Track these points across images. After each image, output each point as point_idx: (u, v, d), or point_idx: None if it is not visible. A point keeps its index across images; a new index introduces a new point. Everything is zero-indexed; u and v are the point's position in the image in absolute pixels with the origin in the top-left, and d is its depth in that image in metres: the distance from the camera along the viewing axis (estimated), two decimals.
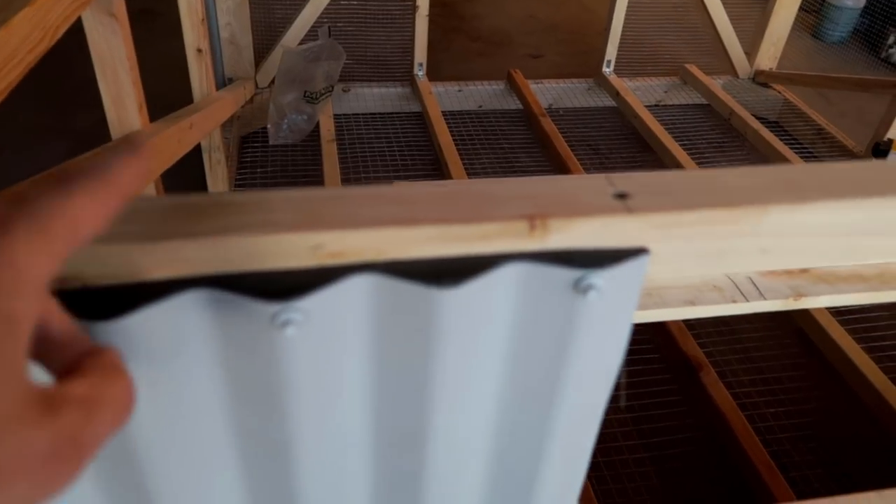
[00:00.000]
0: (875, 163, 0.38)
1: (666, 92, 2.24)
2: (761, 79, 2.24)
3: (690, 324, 1.36)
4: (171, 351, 0.32)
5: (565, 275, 0.32)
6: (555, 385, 0.38)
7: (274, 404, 0.37)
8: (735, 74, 2.26)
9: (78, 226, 0.21)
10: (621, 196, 0.33)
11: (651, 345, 1.38)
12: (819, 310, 1.36)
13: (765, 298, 1.07)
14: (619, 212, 0.32)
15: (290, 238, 0.30)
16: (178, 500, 0.38)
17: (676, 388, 1.28)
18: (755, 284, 1.07)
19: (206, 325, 0.31)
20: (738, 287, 1.07)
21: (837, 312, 1.37)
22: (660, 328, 1.35)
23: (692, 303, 1.06)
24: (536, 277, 0.32)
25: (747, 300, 1.04)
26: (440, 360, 0.35)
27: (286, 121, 1.77)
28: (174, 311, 0.30)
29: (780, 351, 1.40)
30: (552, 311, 0.33)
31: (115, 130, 0.84)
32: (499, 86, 2.18)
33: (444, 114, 1.89)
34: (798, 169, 0.35)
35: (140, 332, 0.30)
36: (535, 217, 0.31)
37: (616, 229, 0.32)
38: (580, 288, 0.32)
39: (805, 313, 1.36)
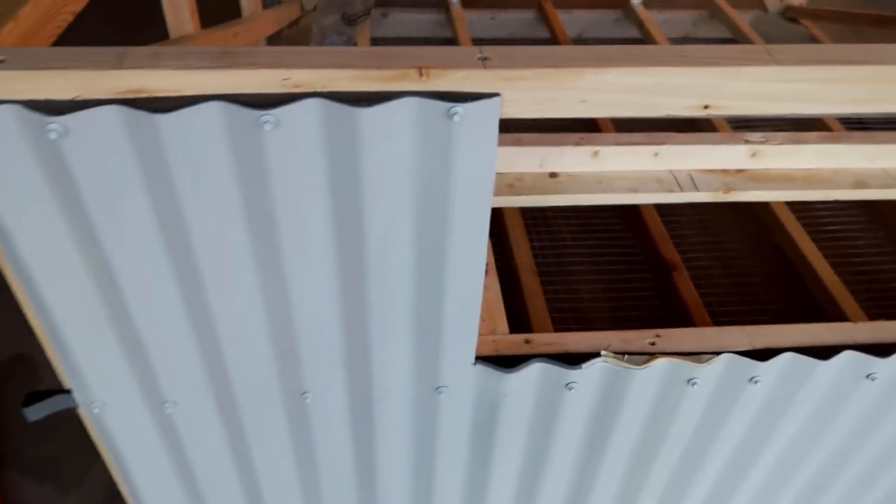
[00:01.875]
0: (660, 47, 0.55)
1: (694, 25, 2.31)
2: (790, 14, 2.29)
3: (674, 234, 1.51)
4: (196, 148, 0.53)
5: (440, 106, 0.50)
6: (447, 191, 0.58)
7: (265, 188, 0.59)
8: (764, 9, 2.31)
9: None
10: (484, 59, 0.51)
11: (637, 250, 1.55)
12: (796, 227, 1.49)
13: (698, 190, 1.23)
14: (479, 67, 0.50)
15: (269, 73, 0.49)
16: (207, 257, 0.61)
17: (652, 286, 1.45)
18: (693, 179, 1.23)
19: (218, 128, 0.52)
20: (677, 180, 1.23)
21: (815, 232, 1.50)
22: (644, 235, 1.51)
23: (635, 190, 1.23)
24: (423, 107, 0.51)
25: (682, 191, 1.21)
26: (366, 165, 0.55)
27: (327, 41, 1.95)
28: (197, 117, 0.51)
29: (759, 267, 1.55)
30: (434, 132, 0.52)
31: (173, 32, 1.04)
32: (530, 14, 2.30)
33: (474, 40, 2.03)
34: (612, 48, 0.52)
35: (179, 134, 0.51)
36: (423, 67, 0.49)
37: (477, 79, 0.50)
38: (449, 115, 0.50)
39: (783, 231, 1.49)
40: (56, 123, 0.62)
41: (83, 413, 0.99)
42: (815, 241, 1.44)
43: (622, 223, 1.63)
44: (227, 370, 0.93)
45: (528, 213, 1.61)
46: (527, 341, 1.05)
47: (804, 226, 1.47)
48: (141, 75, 0.61)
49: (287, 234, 0.76)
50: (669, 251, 1.45)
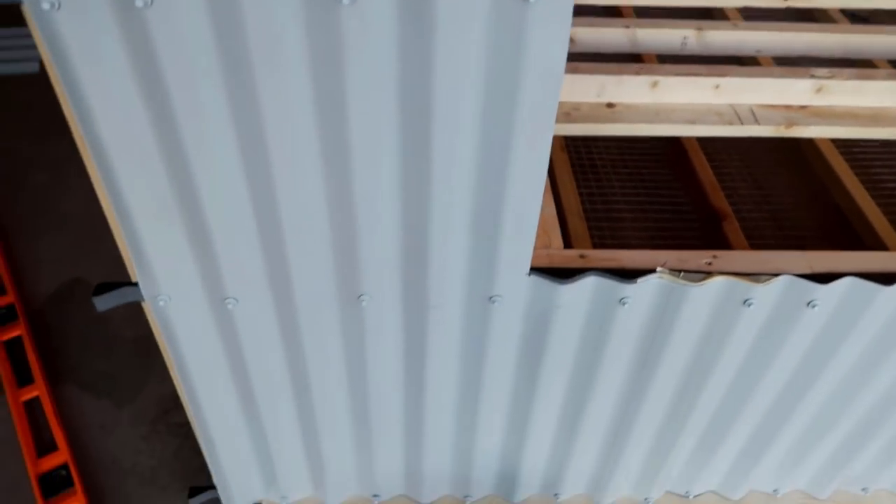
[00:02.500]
0: None
1: None
2: None
3: (724, 185, 1.48)
4: None
5: None
6: (517, 79, 0.59)
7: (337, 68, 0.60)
8: None
9: None
10: None
11: (685, 200, 1.53)
12: (852, 180, 1.44)
13: (759, 124, 1.21)
14: None
15: None
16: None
17: (700, 236, 1.44)
18: (753, 114, 1.21)
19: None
20: (737, 114, 1.21)
21: (873, 189, 1.45)
22: (694, 183, 1.49)
23: (693, 122, 1.22)
24: None
25: (742, 124, 1.19)
26: (439, 48, 0.58)
27: None
28: None
29: (811, 221, 1.51)
30: (509, 14, 0.54)
31: None
32: None
33: None
34: None
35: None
36: None
37: None
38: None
39: (838, 185, 1.45)
40: None
41: (148, 307, 1.03)
42: (872, 197, 1.40)
43: (670, 173, 1.60)
44: (288, 267, 0.96)
45: (576, 160, 1.60)
46: (581, 256, 1.05)
47: (861, 181, 1.43)
48: None
49: (355, 120, 0.77)
50: (720, 200, 1.42)
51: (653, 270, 1.01)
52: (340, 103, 0.76)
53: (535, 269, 1.00)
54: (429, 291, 1.00)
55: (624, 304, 1.02)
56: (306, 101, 0.76)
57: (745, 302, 1.02)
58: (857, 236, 1.37)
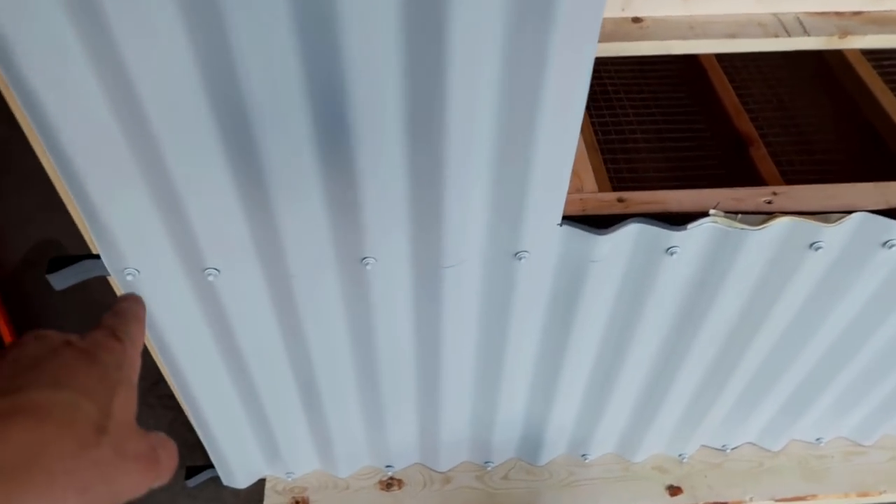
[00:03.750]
0: None
1: None
2: None
3: (748, 108, 1.32)
4: None
5: None
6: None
7: None
8: None
9: None
10: None
11: (704, 127, 1.37)
12: (891, 101, 1.28)
13: (808, 35, 1.02)
14: None
15: None
16: None
17: (723, 164, 1.28)
18: (801, 23, 1.02)
19: None
20: (783, 24, 1.02)
21: None
22: (716, 107, 1.32)
23: (733, 36, 1.03)
24: None
25: (789, 35, 1.00)
26: None
27: None
28: None
29: (843, 143, 1.36)
30: None
31: None
32: None
33: None
34: None
35: None
36: None
37: None
38: None
39: (874, 104, 1.29)
40: None
41: (115, 282, 0.88)
42: None
43: (687, 97, 1.44)
44: (277, 229, 0.80)
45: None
46: (620, 200, 0.90)
47: None
48: None
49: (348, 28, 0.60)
50: (745, 123, 1.26)
51: (704, 214, 0.86)
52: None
53: (566, 218, 0.85)
54: (444, 249, 0.85)
55: (672, 254, 0.87)
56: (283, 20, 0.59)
57: (812, 245, 0.87)
58: (893, 158, 1.22)
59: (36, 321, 1.64)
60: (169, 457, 0.36)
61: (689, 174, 1.32)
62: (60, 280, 0.85)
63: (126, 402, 0.34)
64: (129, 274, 0.85)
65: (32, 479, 0.28)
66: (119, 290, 0.89)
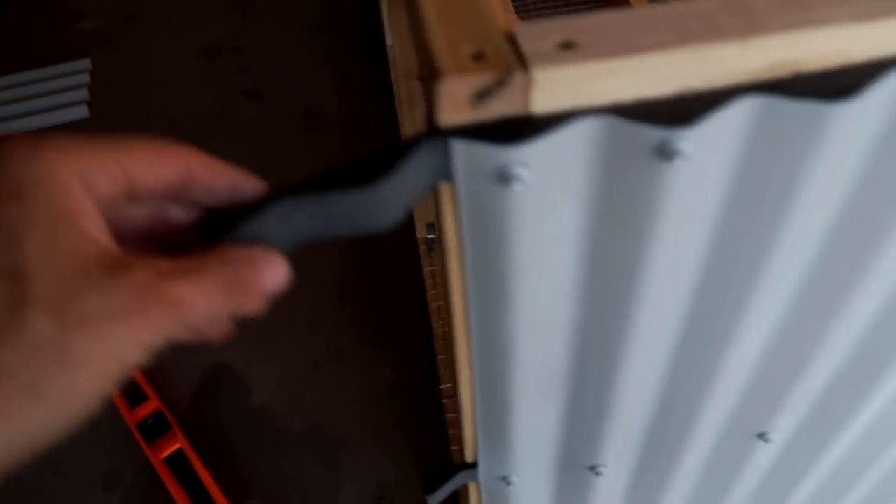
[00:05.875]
0: None
1: None
2: None
3: None
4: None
5: None
6: None
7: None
8: None
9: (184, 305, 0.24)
10: None
11: None
12: None
13: None
14: None
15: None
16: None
17: None
18: None
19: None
20: None
21: None
22: None
23: None
24: None
25: None
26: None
27: None
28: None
29: None
30: None
31: None
32: None
33: None
34: None
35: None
36: None
37: None
38: None
39: None
40: (686, 139, 0.39)
41: (474, 488, 0.81)
42: None
43: None
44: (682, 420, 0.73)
45: None
46: None
47: None
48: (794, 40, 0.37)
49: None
50: None
51: None
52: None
53: None
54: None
55: None
56: None
57: None
58: None
59: (224, 460, 1.57)
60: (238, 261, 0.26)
61: None
62: (437, 497, 0.78)
63: (54, 238, 0.22)
64: (512, 481, 0.78)
65: None
66: (472, 496, 0.83)
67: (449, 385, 1.52)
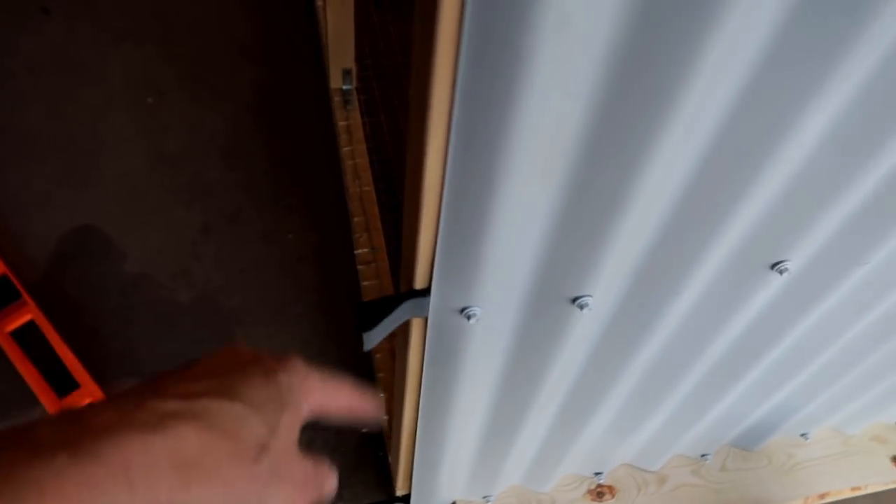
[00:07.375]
0: None
1: None
2: None
3: None
4: None
5: None
6: None
7: None
8: None
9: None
10: None
11: None
12: None
13: None
14: None
15: None
16: None
17: None
18: None
19: None
20: None
21: None
22: None
23: None
24: None
25: None
26: None
27: None
28: None
29: None
30: None
31: None
32: None
33: None
34: None
35: None
36: None
37: None
38: None
39: None
40: None
41: (419, 324, 0.62)
42: None
43: None
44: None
45: None
46: None
47: None
48: None
49: None
50: None
51: None
52: None
53: None
54: None
55: None
56: None
57: None
58: None
59: (95, 335, 1.30)
60: (325, 483, 0.36)
61: None
62: (375, 335, 0.58)
63: (292, 424, 0.34)
64: (471, 314, 0.59)
65: (194, 475, 0.29)
66: (414, 333, 0.63)
67: (365, 250, 1.32)
